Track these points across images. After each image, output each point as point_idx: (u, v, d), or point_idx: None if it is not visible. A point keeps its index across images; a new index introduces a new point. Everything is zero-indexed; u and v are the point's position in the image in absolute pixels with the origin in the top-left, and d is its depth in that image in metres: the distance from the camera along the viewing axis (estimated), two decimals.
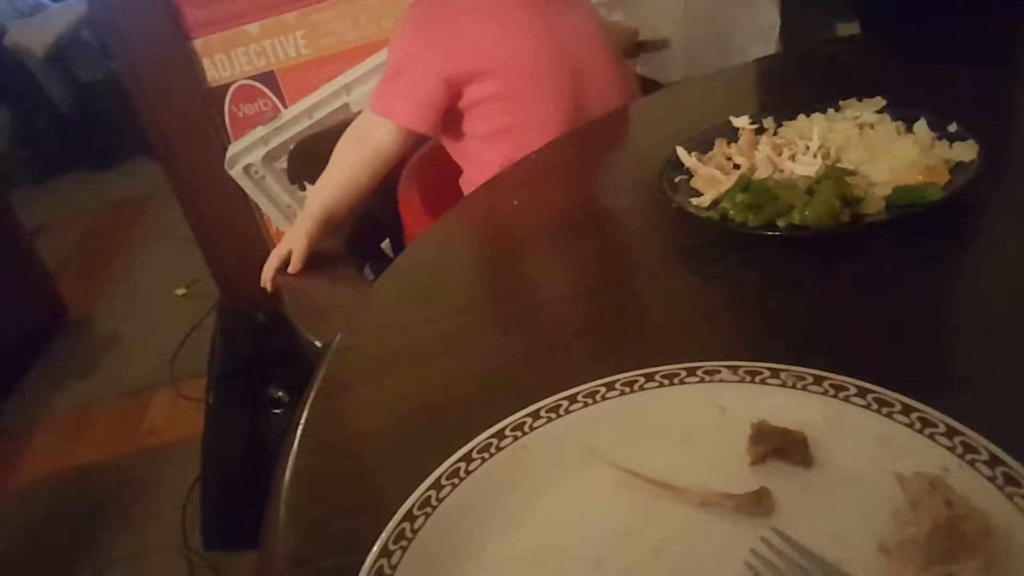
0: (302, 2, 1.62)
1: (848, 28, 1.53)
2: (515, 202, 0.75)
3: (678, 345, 0.49)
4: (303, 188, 1.19)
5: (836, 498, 0.36)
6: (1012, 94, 0.74)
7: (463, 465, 0.39)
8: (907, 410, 0.37)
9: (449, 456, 0.40)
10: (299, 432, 0.48)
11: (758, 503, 0.36)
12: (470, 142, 0.94)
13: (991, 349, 0.44)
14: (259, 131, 1.56)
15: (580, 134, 0.86)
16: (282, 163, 1.54)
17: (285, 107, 1.68)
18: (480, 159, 0.94)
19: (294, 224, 0.97)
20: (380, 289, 0.67)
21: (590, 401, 0.42)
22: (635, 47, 1.20)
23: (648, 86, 1.13)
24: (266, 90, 1.70)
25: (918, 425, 0.36)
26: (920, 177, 0.56)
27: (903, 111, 0.65)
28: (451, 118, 0.94)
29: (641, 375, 0.42)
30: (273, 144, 1.56)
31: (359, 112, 0.97)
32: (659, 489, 0.37)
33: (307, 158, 1.13)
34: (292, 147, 1.26)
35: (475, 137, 0.94)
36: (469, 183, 0.97)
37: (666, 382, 0.42)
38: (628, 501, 0.37)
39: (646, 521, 0.36)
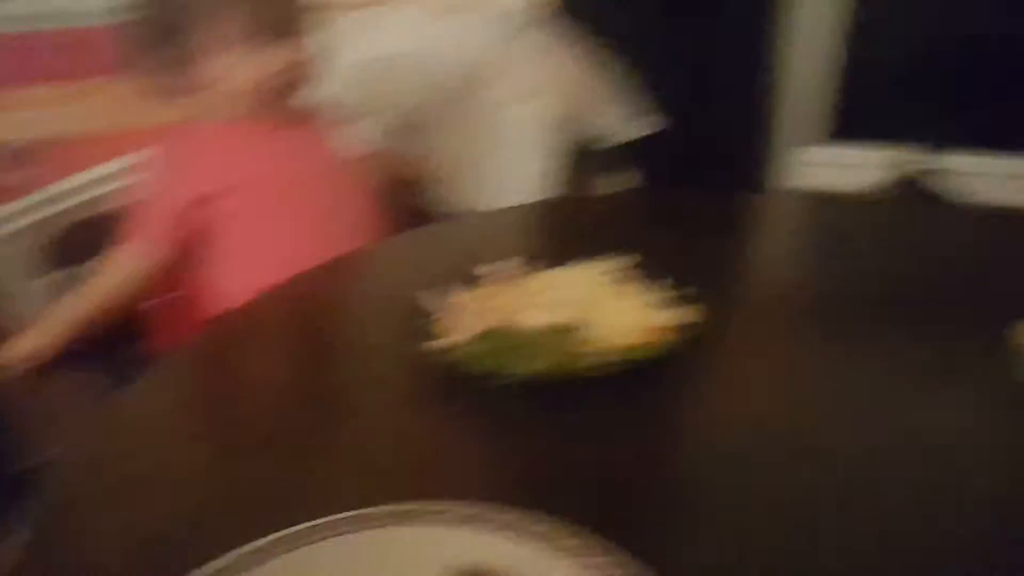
0: (80, 74, 1.56)
1: (624, 181, 1.70)
2: (255, 334, 0.75)
3: (405, 485, 0.51)
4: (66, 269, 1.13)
5: None
6: (726, 265, 0.86)
7: None
8: (575, 543, 0.41)
9: None
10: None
11: None
12: (212, 265, 0.98)
13: (675, 498, 0.50)
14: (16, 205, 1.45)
15: (326, 269, 0.88)
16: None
17: (50, 183, 1.57)
18: (223, 283, 0.98)
19: (38, 320, 0.94)
20: (115, 408, 0.64)
21: (298, 544, 0.42)
22: (406, 180, 1.26)
23: (423, 218, 1.19)
24: (31, 162, 1.59)
25: (580, 554, 0.40)
26: (644, 336, 0.63)
27: (642, 271, 0.72)
28: (193, 241, 0.99)
29: (351, 516, 0.43)
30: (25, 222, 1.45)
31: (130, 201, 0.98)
32: None
33: (70, 242, 1.09)
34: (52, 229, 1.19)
35: (217, 260, 0.97)
36: (211, 306, 0.98)
37: (377, 525, 0.43)
38: None
39: None
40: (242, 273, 0.97)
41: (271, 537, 0.42)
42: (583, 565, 0.40)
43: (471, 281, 0.72)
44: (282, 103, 1.01)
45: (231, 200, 0.98)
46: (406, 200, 1.19)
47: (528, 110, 1.40)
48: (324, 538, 0.42)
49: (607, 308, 0.66)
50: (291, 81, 1.00)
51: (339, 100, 1.13)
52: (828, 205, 1.08)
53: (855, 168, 1.85)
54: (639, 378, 0.60)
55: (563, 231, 0.99)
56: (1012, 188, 1.76)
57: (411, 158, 1.26)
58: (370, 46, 1.35)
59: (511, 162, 1.42)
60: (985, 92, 1.99)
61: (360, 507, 0.44)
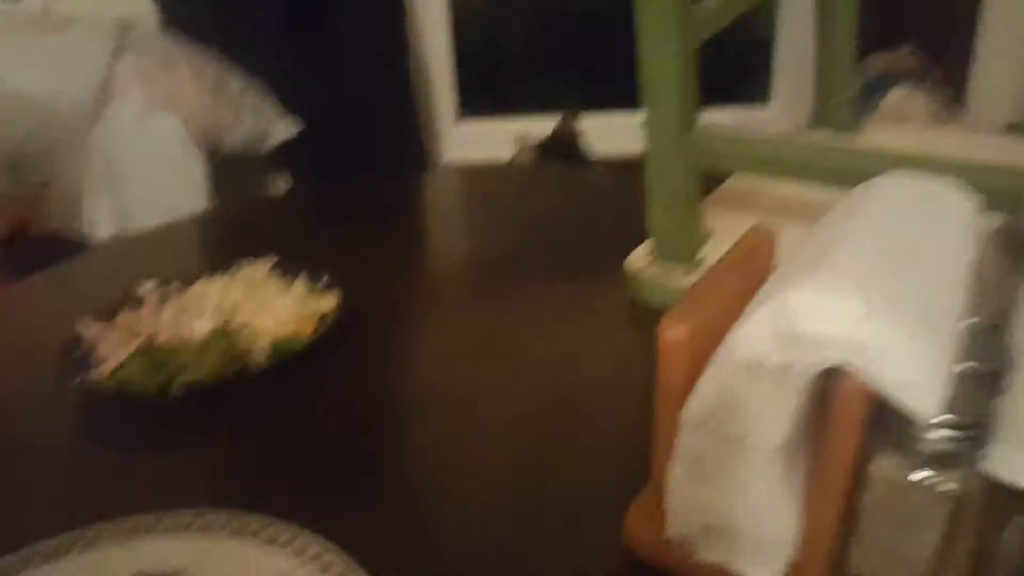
0: None
1: (277, 183, 1.73)
2: None
3: (86, 511, 0.51)
4: None
5: None
6: (387, 247, 0.93)
7: None
8: (260, 529, 0.45)
9: None
10: None
11: None
12: None
13: (346, 464, 0.56)
14: None
15: None
16: None
17: None
18: None
19: None
20: None
21: None
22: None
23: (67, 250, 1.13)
24: None
25: (269, 539, 0.45)
26: (293, 327, 0.68)
27: (290, 267, 0.78)
28: None
29: (22, 557, 0.44)
30: None
31: None
32: None
33: None
34: None
35: None
36: None
37: (49, 558, 0.44)
38: None
39: None
40: None
41: None
42: (288, 556, 0.44)
43: (134, 303, 0.73)
44: None
45: None
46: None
47: (161, 125, 1.37)
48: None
49: (262, 306, 0.71)
50: None
51: None
52: (473, 177, 1.20)
53: (495, 142, 2.05)
54: (304, 364, 0.65)
55: (219, 240, 1.01)
56: (626, 139, 2.05)
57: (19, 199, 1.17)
58: None
59: (154, 179, 1.39)
60: (600, 60, 2.29)
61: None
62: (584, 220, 0.94)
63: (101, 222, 1.31)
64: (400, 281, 0.84)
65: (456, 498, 0.52)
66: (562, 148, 1.98)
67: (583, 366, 0.66)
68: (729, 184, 0.85)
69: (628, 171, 1.12)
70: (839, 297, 0.33)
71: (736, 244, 0.44)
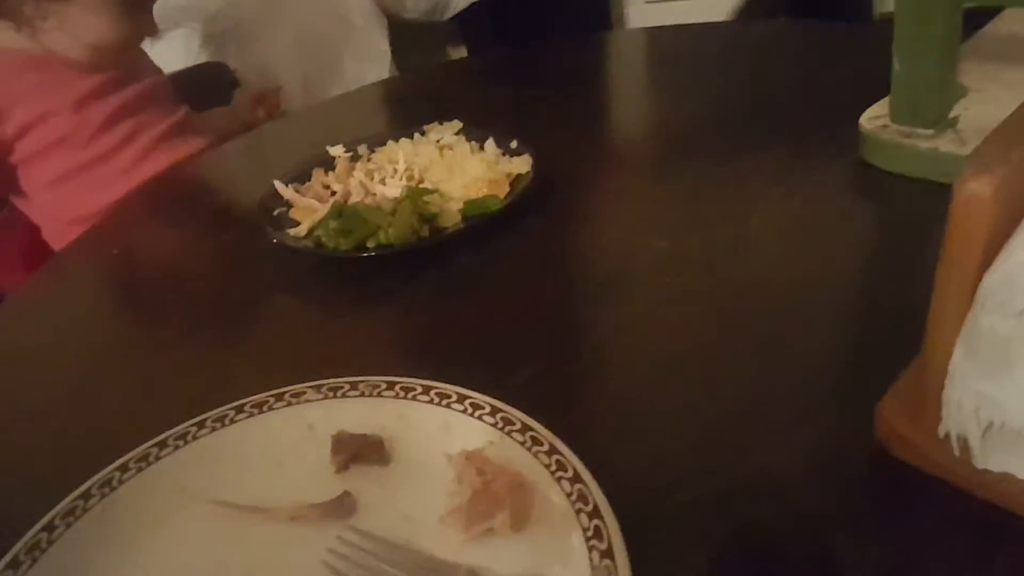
0: None
1: (458, 52, 1.68)
2: (115, 251, 0.72)
3: (277, 370, 0.51)
4: None
5: (407, 487, 0.40)
6: (573, 112, 0.87)
7: (44, 536, 0.38)
8: (461, 398, 0.43)
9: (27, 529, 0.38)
10: None
11: (340, 506, 0.39)
12: (38, 195, 0.93)
13: (542, 337, 0.52)
14: None
15: (174, 176, 0.85)
16: None
17: None
18: (54, 209, 0.93)
19: None
20: None
21: (181, 443, 0.42)
22: (255, 105, 1.20)
23: None
24: None
25: (470, 410, 0.42)
26: (485, 190, 0.64)
27: (478, 131, 0.74)
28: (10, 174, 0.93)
29: (231, 408, 0.44)
30: None
31: None
32: (250, 515, 0.39)
33: None
34: None
35: (41, 189, 0.92)
36: (53, 237, 0.93)
37: (256, 411, 0.44)
38: (221, 534, 0.39)
39: (237, 549, 0.38)
40: (74, 199, 0.93)
41: (153, 441, 0.43)
42: (492, 427, 0.40)
43: (325, 164, 0.72)
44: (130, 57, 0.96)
45: (46, 126, 0.92)
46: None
47: None
48: (208, 432, 0.43)
49: (452, 169, 0.67)
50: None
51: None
52: (665, 37, 1.10)
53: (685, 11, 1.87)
54: (485, 229, 0.62)
55: (405, 106, 0.98)
56: None
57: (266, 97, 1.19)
58: None
59: (345, 47, 1.39)
60: None
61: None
62: (800, 78, 0.83)
63: (292, 93, 1.33)
64: (589, 146, 0.78)
65: (662, 381, 0.46)
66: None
67: (806, 238, 0.57)
68: (991, 28, 0.71)
69: (842, 28, 0.97)
70: None
71: None
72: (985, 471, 0.33)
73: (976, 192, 0.30)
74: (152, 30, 0.96)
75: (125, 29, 0.91)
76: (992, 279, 0.30)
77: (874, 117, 0.65)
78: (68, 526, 0.39)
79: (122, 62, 0.95)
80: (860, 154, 0.64)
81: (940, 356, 0.33)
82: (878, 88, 0.64)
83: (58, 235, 0.94)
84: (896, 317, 0.44)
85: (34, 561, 0.37)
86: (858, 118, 0.65)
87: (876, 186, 0.62)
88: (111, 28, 0.89)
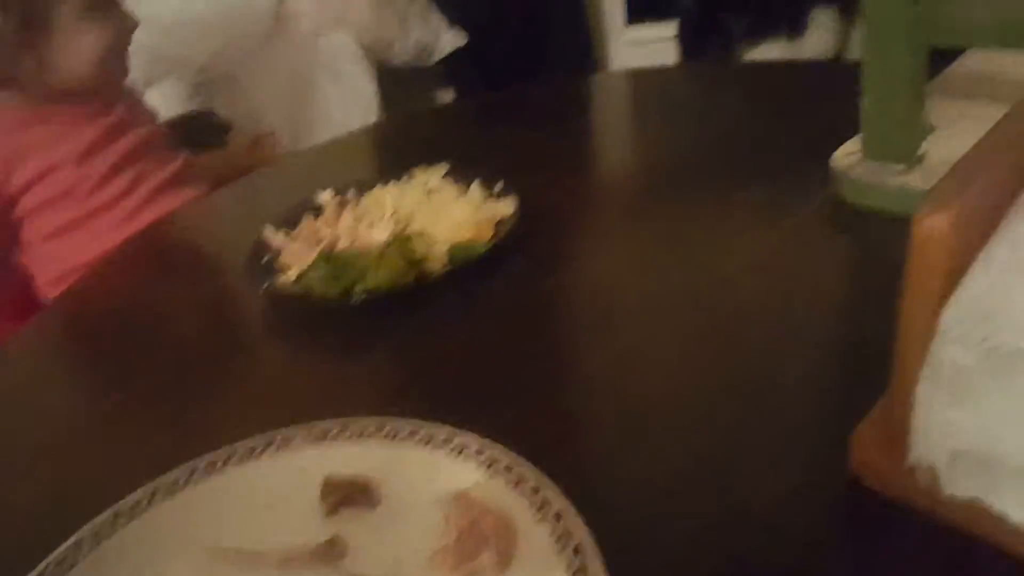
0: None
1: (446, 95, 1.71)
2: (105, 295, 0.74)
3: (266, 417, 0.52)
4: None
5: (396, 528, 0.41)
6: (557, 154, 0.89)
7: None
8: (448, 439, 0.44)
9: None
10: None
11: (331, 549, 0.40)
12: (37, 246, 0.95)
13: (527, 377, 0.53)
14: None
15: (164, 225, 0.87)
16: None
17: None
18: (52, 259, 0.95)
19: None
20: None
21: (172, 491, 0.43)
22: (251, 149, 1.22)
23: None
24: None
25: (457, 450, 0.43)
26: (470, 233, 0.66)
27: (464, 174, 0.75)
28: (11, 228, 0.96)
29: (222, 454, 0.45)
30: None
31: None
32: (241, 559, 0.40)
33: None
34: None
35: (40, 240, 0.94)
36: (48, 286, 0.95)
37: (246, 457, 0.45)
38: None
39: None
40: (71, 250, 0.95)
41: (147, 487, 0.43)
42: (478, 466, 0.41)
43: (313, 211, 0.73)
44: (116, 82, 0.98)
45: (52, 179, 0.94)
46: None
47: (338, 40, 1.38)
48: (200, 478, 0.44)
49: (438, 213, 0.69)
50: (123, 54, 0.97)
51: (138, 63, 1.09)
52: (646, 79, 1.13)
53: (665, 50, 1.92)
54: (482, 271, 0.63)
55: (392, 150, 1.00)
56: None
57: (261, 140, 1.22)
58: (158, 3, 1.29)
59: (333, 92, 1.41)
60: None
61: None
62: (775, 119, 0.85)
63: (280, 138, 1.35)
64: (574, 186, 0.80)
65: (646, 417, 0.47)
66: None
67: (783, 274, 0.59)
68: (957, 66, 0.73)
69: (815, 69, 1.00)
70: None
71: (1008, 115, 0.36)
72: (952, 497, 0.34)
73: (934, 227, 0.31)
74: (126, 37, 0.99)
75: (109, 32, 0.93)
76: (950, 313, 0.31)
77: (847, 154, 0.67)
78: None
79: (117, 74, 0.97)
80: (835, 191, 0.66)
81: (907, 386, 0.34)
82: (853, 126, 0.66)
83: (52, 285, 0.96)
84: (871, 349, 0.45)
85: None
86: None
87: (850, 222, 0.64)
88: (98, 37, 0.92)
